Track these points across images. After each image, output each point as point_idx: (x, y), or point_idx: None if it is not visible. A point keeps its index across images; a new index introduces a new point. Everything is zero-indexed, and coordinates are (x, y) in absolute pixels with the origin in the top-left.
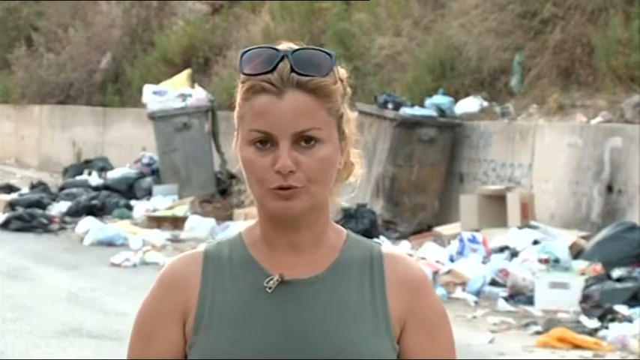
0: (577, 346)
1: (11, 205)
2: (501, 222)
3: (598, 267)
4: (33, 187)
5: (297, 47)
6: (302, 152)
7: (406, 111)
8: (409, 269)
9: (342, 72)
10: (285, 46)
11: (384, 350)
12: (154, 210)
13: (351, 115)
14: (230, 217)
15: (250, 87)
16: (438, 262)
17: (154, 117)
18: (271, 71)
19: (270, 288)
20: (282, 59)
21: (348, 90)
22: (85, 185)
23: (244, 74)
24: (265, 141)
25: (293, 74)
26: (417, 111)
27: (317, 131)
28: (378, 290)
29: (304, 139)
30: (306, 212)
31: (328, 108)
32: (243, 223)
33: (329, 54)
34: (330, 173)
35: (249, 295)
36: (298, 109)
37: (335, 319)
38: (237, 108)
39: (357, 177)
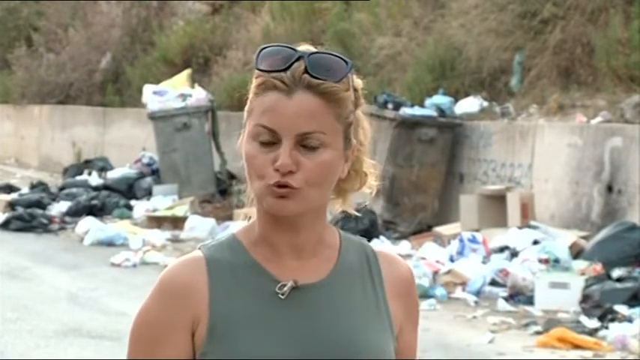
0: (577, 346)
1: (11, 205)
2: (501, 222)
3: (598, 267)
4: (33, 187)
5: (315, 50)
6: (304, 154)
7: (406, 111)
8: (401, 269)
9: (357, 82)
10: (304, 48)
11: (390, 348)
12: (154, 210)
13: (366, 125)
14: (230, 217)
15: (262, 83)
16: (438, 262)
17: (154, 117)
18: (285, 70)
19: (283, 294)
20: (298, 60)
21: (362, 100)
22: (85, 185)
23: (259, 70)
24: (270, 138)
25: (305, 75)
26: (417, 111)
27: (321, 135)
28: (379, 290)
29: (307, 142)
30: (302, 214)
31: (336, 114)
32: (243, 223)
33: (346, 61)
34: (329, 179)
35: (262, 301)
36: (305, 110)
37: (345, 321)
38: (247, 103)
39: (373, 188)
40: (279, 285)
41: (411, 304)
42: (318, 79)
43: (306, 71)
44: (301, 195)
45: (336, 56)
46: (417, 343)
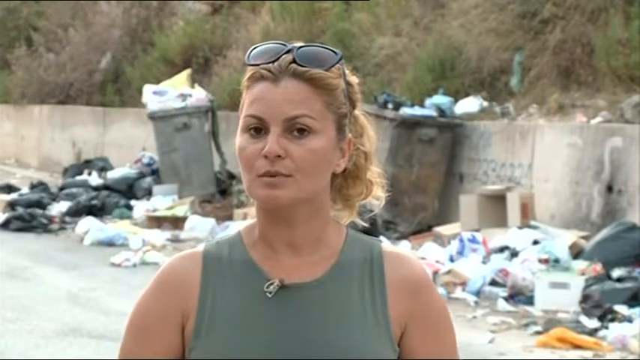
0: (577, 346)
1: (11, 205)
2: (501, 222)
3: (598, 267)
4: (33, 187)
5: (304, 44)
6: (293, 141)
7: (406, 111)
8: (410, 269)
9: (352, 78)
10: (296, 44)
11: (385, 352)
12: (154, 210)
13: (372, 133)
14: (230, 217)
15: (251, 75)
16: (438, 262)
17: (154, 117)
18: (273, 62)
19: (270, 293)
20: (287, 53)
21: (358, 97)
22: (85, 185)
23: (249, 65)
24: (259, 129)
25: (293, 65)
26: (417, 111)
27: (309, 120)
28: (378, 292)
29: (297, 129)
30: (296, 208)
31: (326, 101)
32: (243, 223)
33: (335, 52)
34: (321, 167)
35: (250, 299)
36: (292, 96)
37: (336, 324)
38: (240, 101)
39: (380, 199)
40: (267, 283)
41: (420, 305)
42: (305, 67)
43: (293, 61)
44: (292, 183)
45: (326, 48)
46: (444, 351)
